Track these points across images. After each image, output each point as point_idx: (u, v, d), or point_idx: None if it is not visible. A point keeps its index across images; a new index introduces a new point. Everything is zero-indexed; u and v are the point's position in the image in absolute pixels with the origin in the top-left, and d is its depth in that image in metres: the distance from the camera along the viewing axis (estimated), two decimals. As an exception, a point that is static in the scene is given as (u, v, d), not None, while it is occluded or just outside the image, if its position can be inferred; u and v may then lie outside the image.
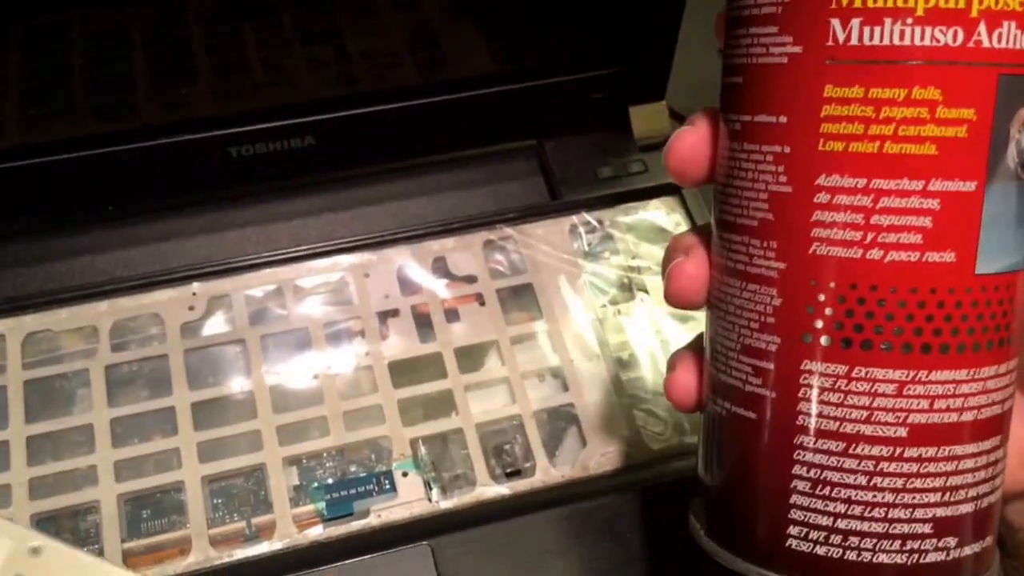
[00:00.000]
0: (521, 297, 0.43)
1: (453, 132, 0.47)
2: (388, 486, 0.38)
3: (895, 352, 0.24)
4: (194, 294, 0.42)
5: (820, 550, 0.25)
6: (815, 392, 0.24)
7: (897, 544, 0.24)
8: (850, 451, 0.24)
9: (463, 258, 0.44)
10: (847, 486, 0.24)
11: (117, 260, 0.44)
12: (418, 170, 0.48)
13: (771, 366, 0.25)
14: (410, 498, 0.37)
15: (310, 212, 0.46)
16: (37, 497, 0.36)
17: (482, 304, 0.43)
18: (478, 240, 0.44)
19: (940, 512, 0.24)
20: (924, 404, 0.24)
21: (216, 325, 0.41)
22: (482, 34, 0.46)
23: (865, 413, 0.24)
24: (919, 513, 0.24)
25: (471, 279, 0.43)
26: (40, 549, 0.22)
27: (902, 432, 0.24)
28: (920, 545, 0.24)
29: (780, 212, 0.24)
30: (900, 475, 0.24)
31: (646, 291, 0.43)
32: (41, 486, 0.37)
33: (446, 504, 0.37)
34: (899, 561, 0.24)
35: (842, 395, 0.24)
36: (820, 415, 0.24)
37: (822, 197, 0.23)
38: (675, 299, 0.28)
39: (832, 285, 0.24)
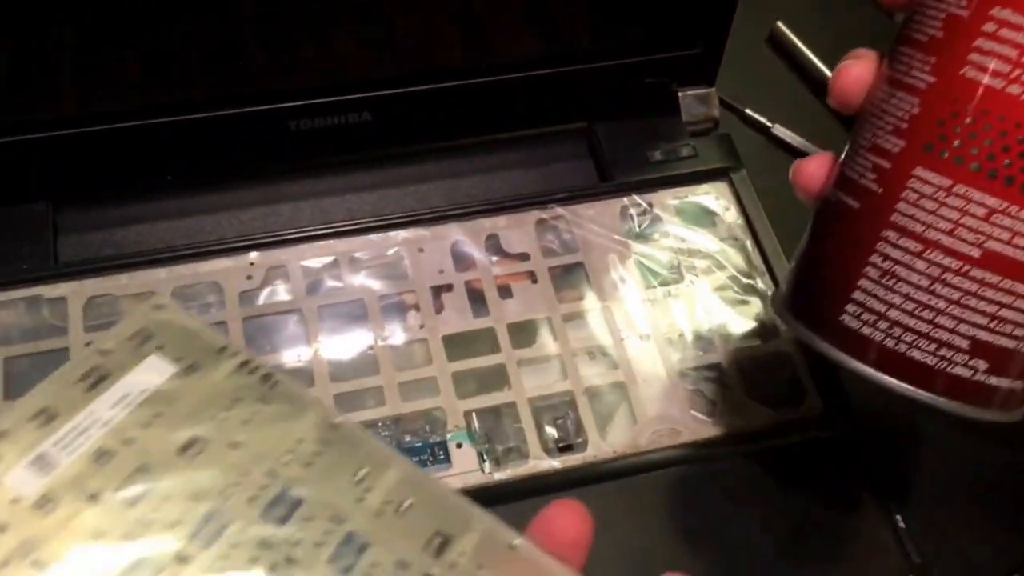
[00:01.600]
0: (572, 276, 0.44)
1: (506, 113, 0.48)
2: (442, 456, 0.38)
3: (998, 181, 0.26)
4: (252, 263, 0.42)
5: (866, 330, 0.28)
6: (915, 196, 0.27)
7: (933, 347, 0.27)
8: (924, 254, 0.27)
9: (515, 236, 0.44)
10: (910, 284, 0.27)
11: (175, 229, 0.45)
12: (470, 150, 0.48)
13: (888, 165, 0.28)
14: (464, 469, 0.38)
15: (363, 188, 0.47)
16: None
17: (534, 282, 0.43)
18: (530, 219, 0.45)
19: (981, 335, 0.27)
20: (1005, 235, 0.26)
21: (273, 294, 0.42)
22: (537, 16, 0.46)
23: (950, 226, 0.27)
24: (962, 328, 0.27)
25: (523, 257, 0.44)
26: (340, 424, 0.24)
27: (975, 252, 0.26)
28: (952, 356, 0.27)
29: (949, 32, 0.27)
30: (959, 289, 0.27)
31: (695, 274, 0.44)
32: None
33: (499, 476, 0.38)
34: (928, 362, 0.28)
35: (937, 204, 0.27)
36: (912, 216, 0.27)
37: (989, 27, 0.26)
38: (836, 96, 0.31)
39: (968, 107, 0.26)
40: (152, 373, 0.23)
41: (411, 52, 0.46)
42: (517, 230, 0.45)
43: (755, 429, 0.40)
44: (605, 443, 0.39)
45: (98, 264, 0.41)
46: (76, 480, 0.21)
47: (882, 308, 0.28)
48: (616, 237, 0.45)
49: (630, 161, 0.47)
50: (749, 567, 0.37)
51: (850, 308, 0.29)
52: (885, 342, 0.28)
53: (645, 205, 0.46)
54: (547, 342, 0.42)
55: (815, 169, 0.32)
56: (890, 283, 0.28)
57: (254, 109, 0.44)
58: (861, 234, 0.28)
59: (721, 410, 0.41)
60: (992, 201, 0.26)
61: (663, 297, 0.43)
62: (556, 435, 0.39)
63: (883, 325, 0.28)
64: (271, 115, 0.44)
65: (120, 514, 0.21)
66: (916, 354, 0.27)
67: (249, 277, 0.42)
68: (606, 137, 0.48)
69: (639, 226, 0.45)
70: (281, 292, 0.42)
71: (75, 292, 0.40)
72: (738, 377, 0.41)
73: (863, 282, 0.28)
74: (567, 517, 0.24)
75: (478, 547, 0.22)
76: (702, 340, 0.42)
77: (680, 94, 0.49)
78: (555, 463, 0.38)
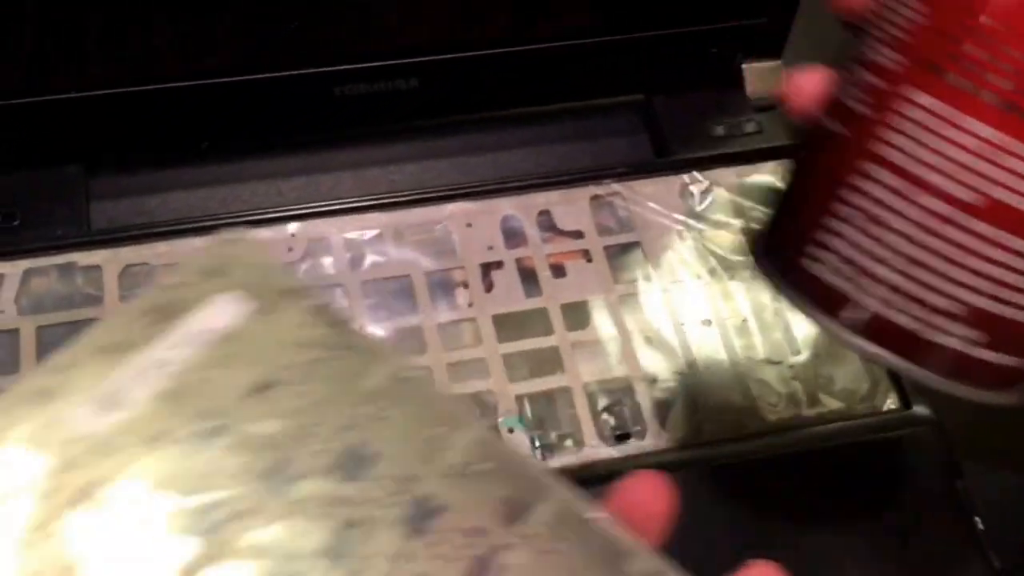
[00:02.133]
0: (628, 255, 0.42)
1: (558, 83, 0.45)
2: (493, 442, 0.36)
3: (1015, 116, 0.22)
4: (292, 235, 0.40)
5: (830, 277, 0.24)
6: (909, 124, 0.23)
7: (906, 305, 0.23)
8: (910, 195, 0.22)
9: (569, 212, 0.42)
10: (888, 228, 0.23)
11: (211, 197, 0.43)
12: (519, 121, 0.46)
13: (882, 85, 0.23)
14: (516, 455, 0.36)
15: (407, 158, 0.45)
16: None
17: (589, 260, 0.41)
18: (584, 195, 0.43)
19: (966, 297, 0.22)
20: (1019, 183, 0.22)
21: (315, 268, 0.40)
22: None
23: (949, 165, 0.22)
24: (946, 287, 0.23)
25: (577, 234, 0.42)
26: (412, 379, 0.22)
27: (977, 200, 0.22)
28: (931, 319, 0.23)
29: None
30: (948, 242, 0.22)
31: (760, 256, 0.42)
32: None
33: (553, 463, 0.36)
34: (902, 323, 0.23)
35: (935, 137, 0.22)
36: (900, 148, 0.23)
37: None
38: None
39: (991, 21, 0.22)
40: (222, 312, 0.22)
41: (461, 16, 0.43)
42: (571, 206, 0.42)
43: (825, 423, 0.38)
44: (665, 432, 0.37)
45: (134, 231, 0.39)
46: (142, 420, 0.20)
47: (851, 253, 0.23)
48: (675, 216, 0.42)
49: (690, 136, 0.45)
50: (816, 566, 0.35)
51: (812, 249, 0.24)
52: (854, 294, 0.23)
53: (707, 183, 0.43)
54: (602, 325, 0.39)
55: (807, 84, 0.26)
56: (862, 224, 0.23)
57: (297, 73, 0.42)
58: (837, 163, 0.24)
59: (788, 402, 0.38)
60: (1006, 141, 0.22)
61: (726, 281, 0.41)
62: (612, 423, 0.37)
63: (847, 271, 0.23)
64: (315, 79, 0.42)
65: (186, 458, 0.20)
66: (887, 312, 0.23)
67: (290, 249, 0.40)
68: (665, 110, 0.45)
69: (700, 205, 0.43)
70: (323, 266, 0.40)
71: (110, 260, 0.38)
72: (807, 368, 0.39)
73: (830, 220, 0.24)
74: (646, 490, 0.22)
75: (554, 518, 0.21)
76: (767, 328, 0.40)
77: (744, 66, 0.46)
78: (612, 451, 0.36)
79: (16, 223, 0.39)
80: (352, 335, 0.23)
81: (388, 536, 0.20)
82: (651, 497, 0.22)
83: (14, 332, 0.37)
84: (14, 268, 0.38)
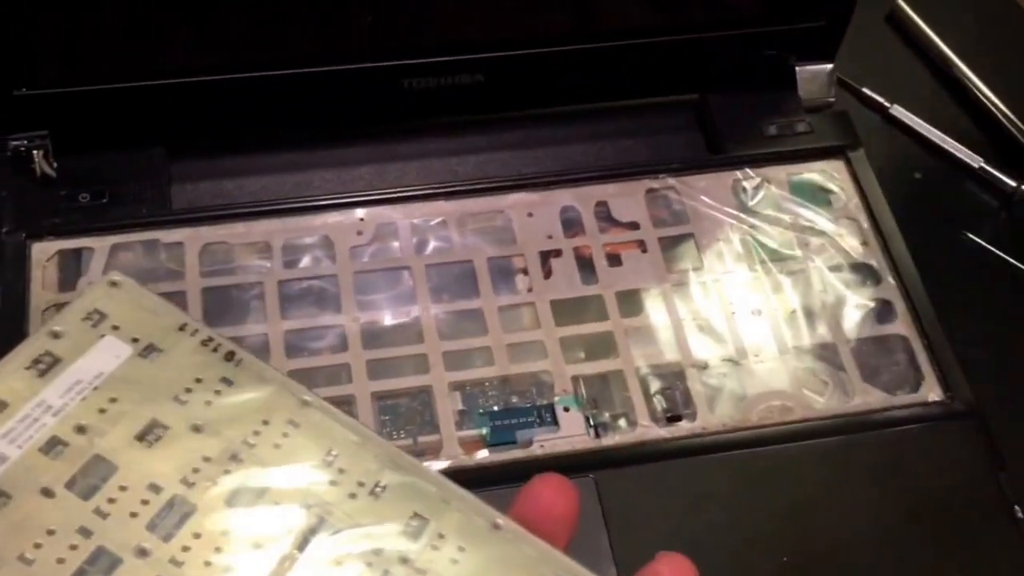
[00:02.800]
0: (682, 247, 0.43)
1: (617, 80, 0.47)
2: (549, 419, 0.38)
3: None
4: (361, 219, 0.42)
5: None
6: None
7: None
8: None
9: (625, 204, 0.44)
10: None
11: (283, 183, 0.45)
12: (578, 116, 0.48)
13: None
14: (571, 433, 0.38)
15: (469, 150, 0.46)
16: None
17: (644, 251, 0.43)
18: (640, 188, 0.44)
19: None
20: None
21: (383, 251, 0.42)
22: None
23: None
24: None
25: (633, 225, 0.43)
26: (310, 403, 0.22)
27: None
28: None
29: None
30: None
31: (809, 252, 0.43)
32: (216, 390, 0.38)
33: (607, 441, 0.37)
34: None
35: None
36: None
37: None
38: None
39: None
40: (108, 355, 0.22)
41: (526, 13, 0.45)
42: (627, 198, 0.44)
43: (869, 412, 0.39)
44: (714, 416, 0.38)
45: (214, 212, 0.42)
46: (28, 473, 0.20)
47: None
48: (728, 210, 0.44)
49: (743, 134, 0.46)
50: (858, 550, 0.36)
51: None
52: None
53: (758, 179, 0.45)
54: (655, 312, 0.41)
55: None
56: None
57: (369, 66, 0.44)
58: None
59: (834, 391, 0.40)
60: None
61: (775, 273, 0.42)
62: (664, 405, 0.39)
63: None
64: (386, 72, 0.44)
65: (75, 507, 0.20)
66: None
67: (359, 233, 0.42)
68: (718, 109, 0.47)
69: (751, 200, 0.44)
70: (390, 249, 0.42)
71: (191, 238, 0.41)
72: (852, 358, 0.40)
73: None
74: (553, 493, 0.22)
75: (459, 527, 0.21)
76: (815, 319, 0.41)
77: (798, 68, 0.47)
78: (663, 432, 0.38)
79: (105, 201, 0.41)
80: (243, 364, 0.22)
81: (285, 563, 0.20)
82: (557, 500, 0.22)
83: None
84: (102, 243, 0.40)
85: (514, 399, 0.39)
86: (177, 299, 0.39)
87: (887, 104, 0.49)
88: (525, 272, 0.42)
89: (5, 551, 0.19)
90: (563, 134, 0.48)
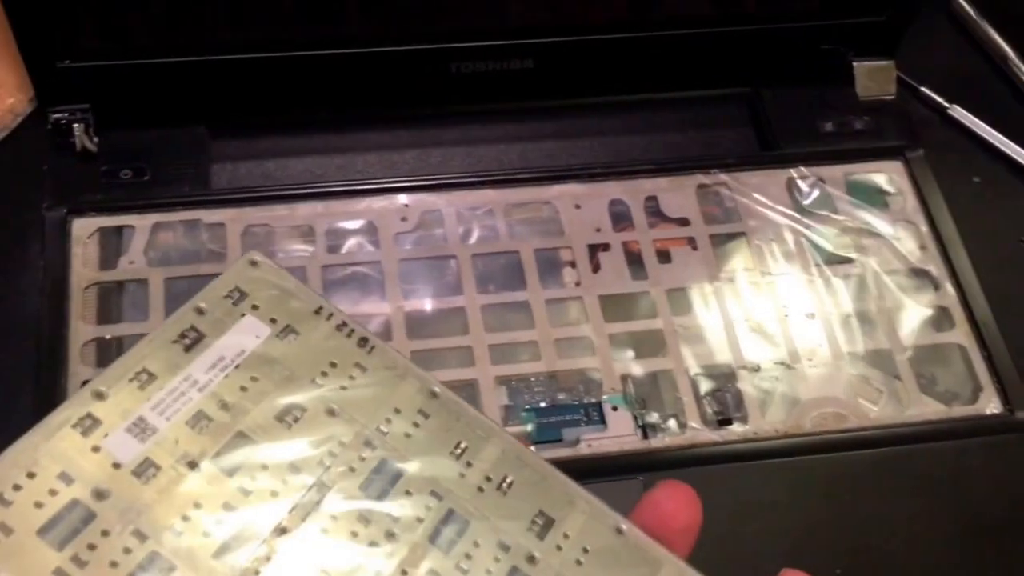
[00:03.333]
0: (733, 245, 0.42)
1: (668, 71, 0.46)
2: (597, 418, 0.37)
3: None
4: (406, 205, 0.41)
5: None
6: None
7: None
8: None
9: (675, 199, 0.43)
10: None
11: (325, 165, 0.44)
12: (627, 107, 0.46)
13: None
14: (619, 432, 0.36)
15: (516, 138, 0.45)
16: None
17: (694, 248, 0.41)
18: (691, 183, 0.43)
19: None
20: None
21: (427, 238, 0.41)
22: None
23: None
24: None
25: (683, 222, 0.42)
26: (439, 394, 0.22)
27: None
28: None
29: None
30: None
31: (865, 255, 0.42)
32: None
33: (656, 443, 0.36)
34: None
35: None
36: None
37: None
38: None
39: None
40: (248, 334, 0.22)
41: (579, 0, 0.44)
42: (677, 193, 0.43)
43: (926, 423, 0.38)
44: (765, 420, 0.37)
45: (256, 192, 0.41)
46: (175, 446, 0.20)
47: None
48: (782, 209, 0.42)
49: (798, 131, 0.45)
50: (914, 565, 0.35)
51: None
52: None
53: (813, 178, 0.43)
54: (706, 311, 0.40)
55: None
56: None
57: (416, 48, 0.42)
58: None
59: (888, 400, 0.38)
60: None
61: (830, 276, 0.41)
62: (715, 407, 0.38)
63: None
64: (433, 55, 0.43)
65: (219, 483, 0.20)
66: None
67: (404, 219, 0.41)
68: (773, 104, 0.46)
69: (806, 200, 0.43)
70: (434, 237, 0.41)
71: (233, 219, 0.40)
72: (908, 367, 0.39)
73: None
74: (677, 501, 0.22)
75: (583, 530, 0.21)
76: (870, 325, 0.40)
77: (856, 64, 0.46)
78: (714, 435, 0.37)
79: (146, 178, 0.40)
80: (375, 351, 0.23)
81: (418, 552, 0.20)
82: (681, 508, 0.22)
83: (143, 282, 0.38)
84: (143, 221, 0.39)
85: (561, 396, 0.38)
86: (218, 281, 0.38)
87: (946, 104, 0.48)
88: (573, 265, 0.41)
89: (155, 521, 0.19)
90: (610, 125, 0.46)
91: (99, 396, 0.20)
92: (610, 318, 0.39)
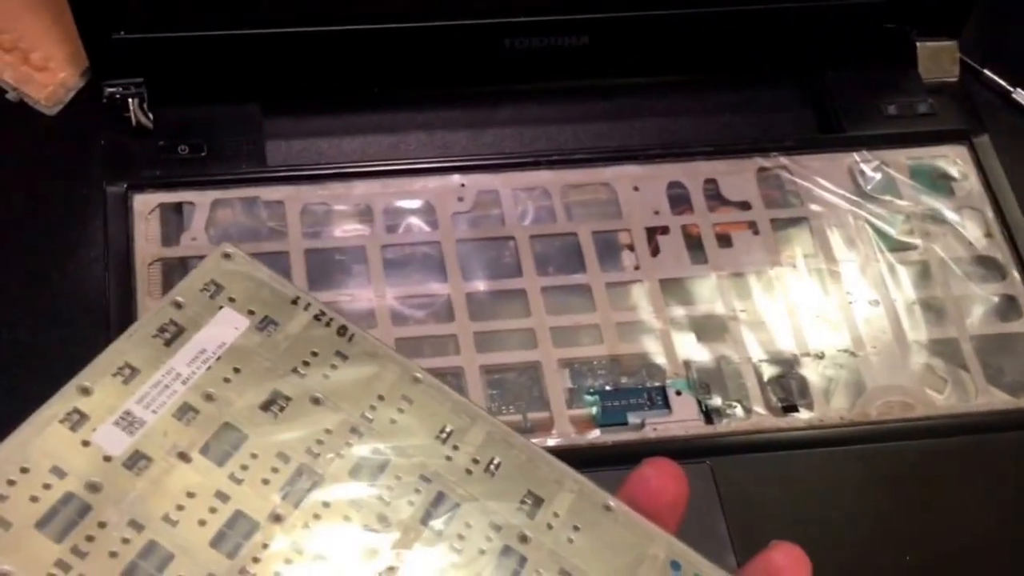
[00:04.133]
0: (795, 230, 0.41)
1: (726, 50, 0.45)
2: (660, 402, 0.37)
3: None
4: (462, 185, 0.41)
5: None
6: None
7: None
8: None
9: (735, 182, 0.42)
10: None
11: (378, 143, 0.43)
12: (683, 87, 0.46)
13: None
14: (684, 417, 0.36)
15: (568, 118, 0.45)
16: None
17: (755, 233, 0.41)
18: (751, 166, 0.42)
19: None
20: None
21: (484, 219, 0.40)
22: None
23: None
24: None
25: (744, 205, 0.41)
26: (421, 379, 0.23)
27: None
28: None
29: None
30: None
31: (930, 241, 0.41)
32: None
33: (721, 428, 0.36)
34: None
35: None
36: None
37: None
38: None
39: None
40: (227, 326, 0.22)
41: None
42: (737, 176, 0.42)
43: (993, 413, 0.37)
44: (831, 408, 0.37)
45: (313, 170, 0.40)
46: (164, 438, 0.20)
47: None
48: (844, 193, 0.42)
49: (860, 113, 0.44)
50: (983, 556, 0.35)
51: None
52: None
53: (876, 162, 0.43)
54: (769, 297, 0.39)
55: None
56: None
57: (470, 22, 0.42)
58: None
59: (954, 389, 0.38)
60: None
61: (894, 263, 0.40)
62: (779, 393, 0.37)
63: None
64: (487, 30, 0.42)
65: (211, 473, 0.20)
66: None
67: (460, 199, 0.40)
68: (834, 85, 0.45)
69: (868, 184, 0.42)
70: (492, 218, 0.40)
71: (291, 197, 0.39)
72: (974, 356, 0.38)
73: None
74: (664, 477, 0.22)
75: (572, 508, 0.21)
76: (935, 313, 0.39)
77: (919, 44, 0.45)
78: (779, 422, 0.36)
79: (203, 154, 0.40)
80: (355, 339, 0.23)
81: (411, 534, 0.20)
82: (668, 484, 0.22)
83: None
84: (203, 198, 0.39)
85: (623, 379, 0.37)
86: (281, 260, 0.38)
87: (1010, 88, 0.47)
88: (631, 248, 0.40)
89: (150, 511, 0.19)
90: (665, 105, 0.46)
91: (84, 391, 0.21)
92: (670, 302, 0.39)
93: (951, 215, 0.42)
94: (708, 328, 0.38)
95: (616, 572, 0.21)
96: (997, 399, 0.38)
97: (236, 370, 0.22)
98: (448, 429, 0.22)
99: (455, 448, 0.22)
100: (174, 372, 0.21)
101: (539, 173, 0.42)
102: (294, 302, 0.23)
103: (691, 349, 0.38)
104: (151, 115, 0.40)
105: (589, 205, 0.42)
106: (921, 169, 0.43)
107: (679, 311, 0.38)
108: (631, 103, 0.45)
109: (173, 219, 0.38)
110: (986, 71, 0.47)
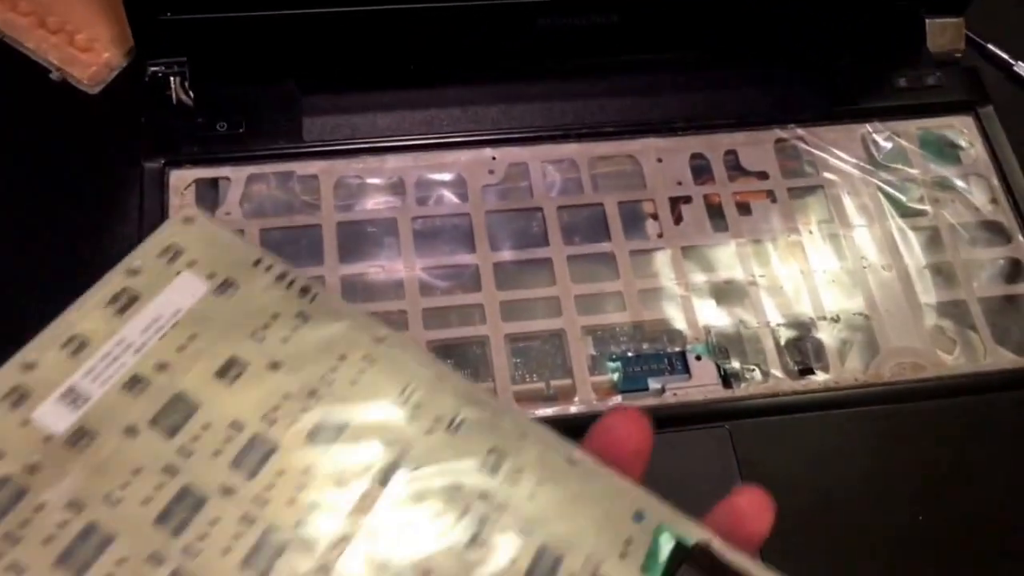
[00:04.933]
0: (811, 198, 0.43)
1: (747, 27, 0.46)
2: (680, 367, 0.38)
3: None
4: (493, 158, 0.42)
5: None
6: None
7: None
8: None
9: (754, 153, 0.43)
10: None
11: (411, 119, 0.44)
12: (707, 64, 0.47)
13: None
14: (703, 382, 0.38)
15: (595, 93, 0.46)
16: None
17: (773, 201, 0.42)
18: (769, 138, 0.44)
19: None
20: None
21: (513, 191, 0.42)
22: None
23: None
24: None
25: (763, 175, 0.43)
26: (385, 338, 0.22)
27: None
28: None
29: None
30: None
31: (939, 207, 0.43)
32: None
33: (739, 391, 0.38)
34: None
35: None
36: None
37: None
38: None
39: None
40: (185, 292, 0.21)
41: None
42: (756, 147, 0.44)
43: (1002, 372, 0.39)
44: (845, 370, 0.39)
45: (347, 144, 0.42)
46: (111, 412, 0.19)
47: None
48: (857, 162, 0.43)
49: (872, 86, 0.45)
50: (996, 514, 0.36)
51: None
52: None
53: (887, 132, 0.44)
54: (786, 263, 0.41)
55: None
56: None
57: (505, 2, 0.43)
58: None
59: (964, 350, 0.40)
60: None
61: (905, 228, 0.42)
62: (796, 356, 0.39)
63: None
64: (520, 8, 0.43)
65: (159, 446, 0.19)
66: None
67: (491, 172, 0.42)
68: (849, 61, 0.46)
69: (880, 154, 0.44)
70: (521, 190, 0.42)
71: (325, 171, 0.41)
72: (982, 317, 0.40)
73: None
74: (627, 426, 0.22)
75: (536, 462, 0.21)
76: (944, 276, 0.41)
77: (928, 21, 0.46)
78: (796, 384, 0.38)
79: (241, 131, 0.41)
80: (317, 299, 0.22)
81: (368, 499, 0.19)
82: (632, 433, 0.22)
83: (240, 233, 0.39)
84: (239, 173, 0.40)
85: (645, 346, 0.39)
86: (312, 233, 0.39)
87: (1012, 61, 0.48)
88: (655, 217, 0.42)
89: (91, 491, 0.19)
90: (688, 81, 0.47)
91: (28, 367, 0.20)
92: (692, 269, 0.40)
93: (958, 182, 0.43)
94: (728, 294, 0.40)
95: (579, 527, 0.20)
96: (1004, 358, 0.39)
97: (192, 337, 0.21)
98: (411, 388, 0.21)
99: (417, 407, 0.21)
100: (126, 342, 0.20)
101: (567, 146, 0.43)
102: (256, 263, 0.22)
103: (711, 314, 0.39)
104: (192, 93, 0.41)
105: (615, 176, 0.43)
106: (930, 138, 0.44)
107: (700, 277, 0.40)
108: (656, 79, 0.46)
109: (209, 195, 0.40)
110: (990, 46, 0.49)
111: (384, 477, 0.20)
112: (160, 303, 0.21)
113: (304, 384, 0.20)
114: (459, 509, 0.20)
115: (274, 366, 0.21)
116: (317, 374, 0.21)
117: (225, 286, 0.21)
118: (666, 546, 0.20)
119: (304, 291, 0.22)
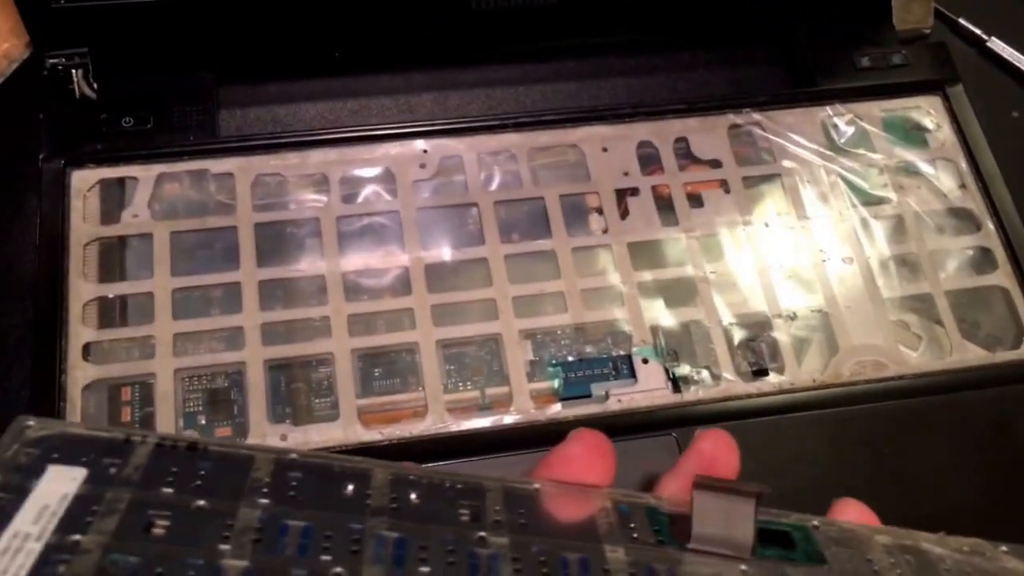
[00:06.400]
0: (767, 187, 0.40)
1: (698, 7, 0.43)
2: (626, 371, 0.36)
3: None
4: (424, 151, 0.39)
5: None
6: None
7: None
8: None
9: (707, 140, 0.41)
10: None
11: (339, 109, 0.42)
12: (656, 46, 0.44)
13: None
14: (650, 386, 0.35)
15: (537, 79, 0.43)
16: (270, 343, 0.35)
17: (727, 191, 0.40)
18: (723, 123, 0.41)
19: None
20: None
21: (447, 186, 0.39)
22: None
23: None
24: None
25: (715, 163, 0.40)
26: (297, 459, 0.21)
27: None
28: None
29: None
30: None
31: (904, 194, 0.40)
32: (273, 332, 0.35)
33: (689, 396, 0.35)
34: None
35: None
36: None
37: None
38: None
39: None
40: (62, 480, 0.19)
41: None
42: (708, 134, 0.41)
43: (968, 369, 0.36)
44: (802, 370, 0.36)
45: (266, 139, 0.39)
46: None
47: None
48: (817, 148, 0.41)
49: (833, 66, 0.43)
50: (961, 517, 0.34)
51: None
52: None
53: (849, 115, 0.41)
54: (740, 257, 0.38)
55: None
56: None
57: (433, -19, 0.40)
58: None
59: (928, 345, 0.37)
60: None
61: (868, 218, 0.39)
62: (750, 357, 0.36)
63: None
64: (451, -11, 0.40)
65: None
66: None
67: (422, 166, 0.39)
68: (807, 38, 0.43)
69: (842, 138, 0.41)
70: (455, 184, 0.39)
71: (242, 168, 0.38)
72: (949, 311, 0.37)
73: None
74: (589, 459, 0.22)
75: (507, 500, 0.20)
76: (909, 268, 0.39)
77: (892, -6, 0.44)
78: (749, 387, 0.35)
79: (149, 126, 0.38)
80: (210, 449, 0.21)
81: None
82: (592, 465, 0.22)
83: (148, 237, 0.36)
84: (147, 172, 0.37)
85: (588, 349, 0.36)
86: (228, 235, 0.37)
87: (984, 37, 0.45)
88: (599, 211, 0.39)
89: None
90: (635, 64, 0.44)
91: None
92: (639, 266, 0.38)
93: (925, 167, 0.41)
94: (677, 292, 0.37)
95: (579, 529, 0.20)
96: (972, 354, 0.37)
97: (93, 512, 0.19)
98: (350, 488, 0.20)
99: (367, 498, 0.20)
100: (21, 534, 0.18)
101: (505, 136, 0.40)
102: (127, 441, 0.20)
103: (659, 314, 0.37)
104: (96, 86, 0.38)
105: (557, 168, 0.40)
106: (894, 121, 0.42)
107: (648, 275, 0.37)
108: (600, 63, 0.44)
109: (116, 196, 0.37)
110: (961, 20, 0.46)
111: (385, 564, 0.19)
112: (41, 495, 0.19)
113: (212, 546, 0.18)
114: (466, 558, 0.19)
115: (198, 514, 0.19)
116: (222, 530, 0.19)
117: (106, 465, 0.19)
118: None
119: (192, 447, 0.20)
